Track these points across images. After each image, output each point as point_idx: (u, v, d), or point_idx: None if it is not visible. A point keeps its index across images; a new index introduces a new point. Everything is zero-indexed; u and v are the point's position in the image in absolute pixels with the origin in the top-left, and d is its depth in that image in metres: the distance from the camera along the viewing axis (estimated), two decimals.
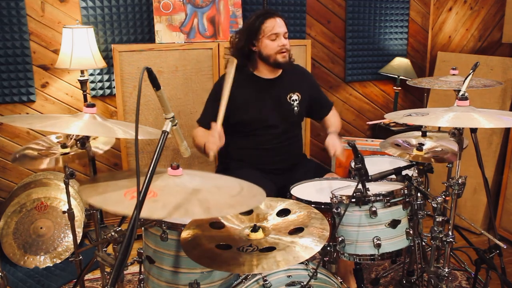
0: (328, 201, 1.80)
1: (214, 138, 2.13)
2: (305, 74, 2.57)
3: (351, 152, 1.71)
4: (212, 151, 2.13)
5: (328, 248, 1.78)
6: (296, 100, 2.39)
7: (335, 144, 2.27)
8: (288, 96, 2.38)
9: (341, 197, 1.73)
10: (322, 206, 1.81)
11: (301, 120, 2.54)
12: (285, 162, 2.42)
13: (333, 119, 2.56)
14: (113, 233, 1.43)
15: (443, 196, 1.72)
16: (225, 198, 1.31)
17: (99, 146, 2.01)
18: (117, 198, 1.24)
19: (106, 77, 3.15)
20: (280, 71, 2.40)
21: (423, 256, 2.12)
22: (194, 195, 1.26)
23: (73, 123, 1.54)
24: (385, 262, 2.82)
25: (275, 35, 2.26)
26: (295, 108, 2.39)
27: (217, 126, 2.14)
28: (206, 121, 2.32)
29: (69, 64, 2.80)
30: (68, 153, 1.98)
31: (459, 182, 1.69)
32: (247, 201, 1.34)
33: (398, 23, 3.83)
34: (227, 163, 2.49)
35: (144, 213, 1.12)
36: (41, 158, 1.95)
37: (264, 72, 2.38)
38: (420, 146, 1.99)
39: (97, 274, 2.72)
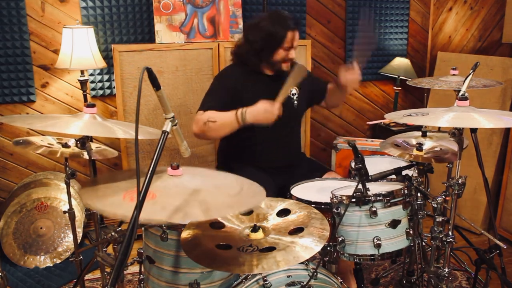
0: (328, 201, 1.80)
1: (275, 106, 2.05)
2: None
3: (351, 152, 1.71)
4: (274, 114, 2.04)
5: (328, 248, 1.78)
6: (295, 94, 2.40)
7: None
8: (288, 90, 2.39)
9: (341, 197, 1.74)
10: (322, 206, 1.81)
11: (301, 116, 2.57)
12: (284, 159, 2.43)
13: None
14: (113, 233, 1.43)
15: (443, 196, 1.72)
16: (225, 198, 1.31)
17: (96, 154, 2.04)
18: (116, 202, 1.25)
19: (106, 77, 3.15)
20: None
21: (423, 256, 2.12)
22: (193, 196, 1.26)
23: (73, 123, 1.54)
24: (385, 262, 2.82)
25: (290, 47, 2.26)
26: (295, 102, 2.40)
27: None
28: (218, 104, 2.21)
29: (69, 64, 2.80)
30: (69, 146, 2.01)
31: (459, 182, 1.69)
32: (247, 201, 1.34)
33: (398, 23, 3.83)
34: (226, 162, 2.49)
35: (143, 216, 1.11)
36: (41, 146, 1.99)
37: (265, 69, 2.38)
38: (420, 146, 1.99)
39: (97, 274, 2.72)
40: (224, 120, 2.14)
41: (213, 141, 3.08)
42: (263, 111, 2.05)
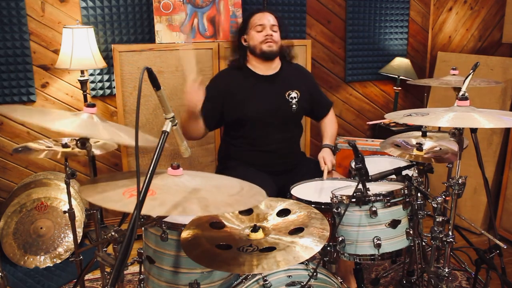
0: (328, 201, 1.80)
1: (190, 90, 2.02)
2: (305, 73, 2.60)
3: (351, 152, 1.71)
4: (192, 102, 2.02)
5: (328, 248, 1.78)
6: (295, 97, 2.39)
7: (326, 158, 2.37)
8: (287, 94, 2.38)
9: (341, 197, 1.73)
10: (322, 206, 1.81)
11: (300, 119, 2.55)
12: (285, 163, 2.42)
13: (329, 127, 2.58)
14: (113, 233, 1.42)
15: (443, 196, 1.72)
16: (224, 197, 1.31)
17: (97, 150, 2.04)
18: (115, 197, 1.25)
19: (106, 77, 3.15)
20: (278, 67, 2.42)
21: (423, 256, 2.12)
22: (192, 194, 1.26)
23: (67, 121, 1.50)
24: (385, 262, 2.82)
25: (261, 26, 2.34)
26: (294, 106, 2.39)
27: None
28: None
29: (69, 64, 2.80)
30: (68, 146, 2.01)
31: (459, 182, 1.69)
32: (246, 200, 1.34)
33: (398, 23, 3.83)
34: (227, 163, 2.48)
35: (142, 211, 1.12)
36: (43, 150, 1.99)
37: (260, 68, 2.39)
38: (420, 146, 1.99)
39: (97, 274, 2.72)
40: (184, 116, 2.20)
41: (213, 141, 3.08)
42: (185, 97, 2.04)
